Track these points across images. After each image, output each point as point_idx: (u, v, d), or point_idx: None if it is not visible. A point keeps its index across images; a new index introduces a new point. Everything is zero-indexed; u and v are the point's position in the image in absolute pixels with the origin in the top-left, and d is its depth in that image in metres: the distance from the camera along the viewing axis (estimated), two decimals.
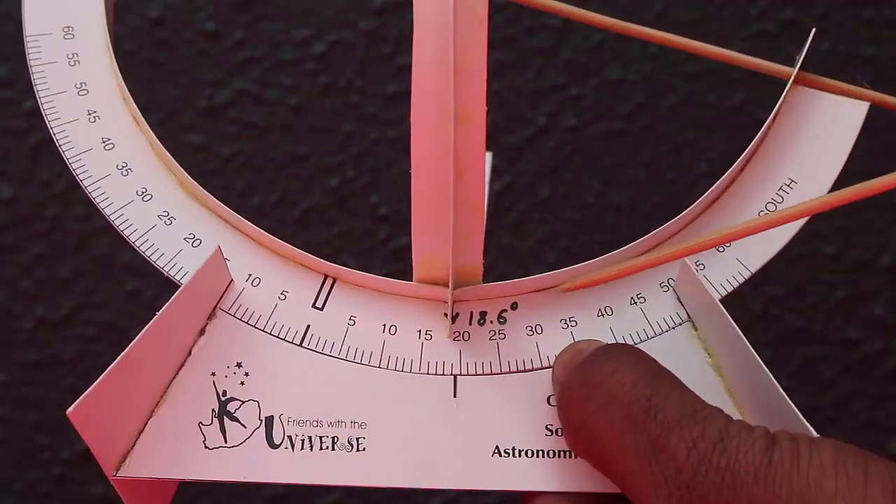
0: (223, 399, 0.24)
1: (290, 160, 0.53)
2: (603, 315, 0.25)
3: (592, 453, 0.22)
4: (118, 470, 0.23)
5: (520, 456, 0.24)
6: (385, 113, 0.53)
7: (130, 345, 0.22)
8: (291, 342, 0.25)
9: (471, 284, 0.25)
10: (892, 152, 0.53)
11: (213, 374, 0.24)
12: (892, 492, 0.18)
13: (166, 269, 0.25)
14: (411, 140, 0.22)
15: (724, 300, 0.24)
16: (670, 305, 0.25)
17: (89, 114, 0.26)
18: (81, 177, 0.25)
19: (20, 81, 0.52)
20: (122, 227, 0.25)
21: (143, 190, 0.26)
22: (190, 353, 0.24)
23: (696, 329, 0.25)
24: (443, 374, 0.25)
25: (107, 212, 0.25)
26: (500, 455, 0.24)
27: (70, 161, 0.25)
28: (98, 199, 0.25)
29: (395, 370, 0.25)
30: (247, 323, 0.25)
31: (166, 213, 0.25)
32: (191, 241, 0.25)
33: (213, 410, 0.24)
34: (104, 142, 0.26)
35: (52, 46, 0.26)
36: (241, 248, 0.26)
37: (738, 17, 0.53)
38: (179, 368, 0.24)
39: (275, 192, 0.53)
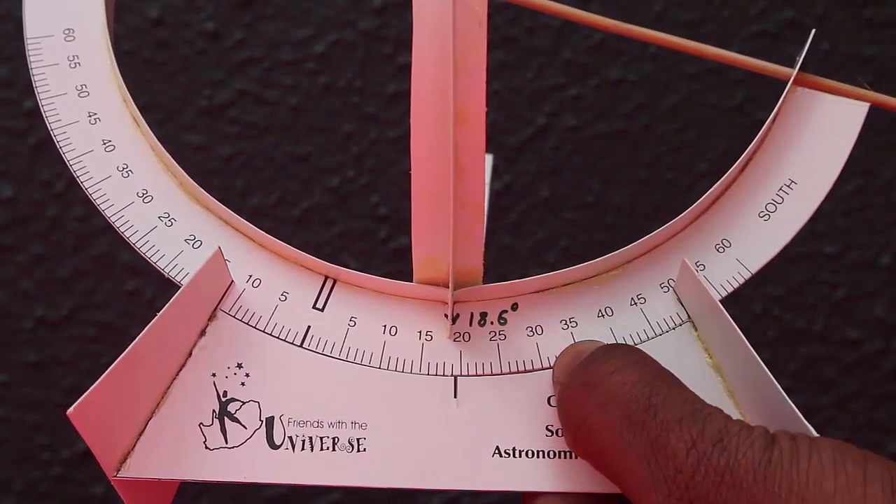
0: (224, 400, 0.24)
1: (290, 160, 0.53)
2: (603, 315, 0.25)
3: (592, 453, 0.22)
4: (119, 470, 0.23)
5: (520, 456, 0.24)
6: (385, 113, 0.53)
7: (131, 345, 0.22)
8: (292, 343, 0.25)
9: (471, 285, 0.25)
10: (893, 152, 0.53)
11: (214, 375, 0.24)
12: (892, 491, 0.18)
13: (167, 270, 0.25)
14: (411, 141, 0.22)
15: (723, 300, 0.24)
16: (670, 306, 0.25)
17: (90, 116, 0.26)
18: (82, 178, 0.25)
19: (20, 81, 0.52)
20: (122, 229, 0.25)
21: (144, 191, 0.26)
22: (190, 354, 0.25)
23: (696, 329, 0.25)
24: (443, 375, 0.25)
25: (107, 213, 0.25)
26: (501, 455, 0.24)
27: (71, 163, 0.25)
28: (99, 201, 0.25)
29: (396, 371, 0.25)
30: (247, 324, 0.25)
31: (167, 215, 0.25)
32: (191, 243, 0.25)
33: (214, 411, 0.24)
34: (105, 143, 0.26)
35: (53, 48, 0.26)
36: (242, 250, 0.26)
37: (738, 17, 0.53)
38: (180, 369, 0.24)
39: (275, 192, 0.53)
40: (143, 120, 0.26)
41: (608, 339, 0.25)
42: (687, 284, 0.25)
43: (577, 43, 0.53)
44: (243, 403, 0.24)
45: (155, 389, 0.24)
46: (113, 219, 0.25)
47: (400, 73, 0.53)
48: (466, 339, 0.25)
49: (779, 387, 0.21)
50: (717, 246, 0.25)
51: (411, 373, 0.25)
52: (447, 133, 0.21)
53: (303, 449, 0.24)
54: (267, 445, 0.24)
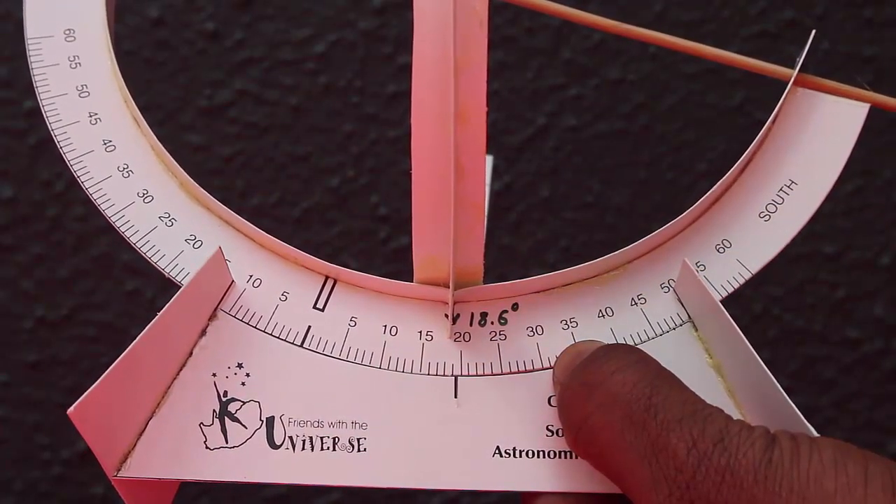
0: (224, 399, 0.24)
1: (290, 160, 0.53)
2: (604, 316, 0.25)
3: (593, 453, 0.22)
4: (119, 470, 0.23)
5: (520, 456, 0.24)
6: (385, 113, 0.53)
7: (132, 345, 0.22)
8: (292, 343, 0.25)
9: (471, 285, 0.25)
10: (893, 152, 0.54)
11: (214, 375, 0.24)
12: (892, 491, 0.18)
13: (167, 270, 0.25)
14: (412, 140, 0.22)
15: (724, 300, 0.24)
16: (671, 306, 0.25)
17: (90, 116, 0.26)
18: (83, 178, 0.25)
19: (20, 81, 0.52)
20: (123, 229, 0.25)
21: (145, 191, 0.26)
22: (191, 354, 0.25)
23: (696, 330, 0.25)
24: (443, 375, 0.25)
25: (108, 213, 0.25)
26: (501, 455, 0.24)
27: (71, 163, 0.25)
28: (99, 201, 0.25)
29: (396, 371, 0.25)
30: (248, 324, 0.25)
31: (167, 215, 0.25)
32: (192, 243, 0.25)
33: (214, 411, 0.24)
34: (105, 144, 0.26)
35: (54, 49, 0.26)
36: (242, 250, 0.26)
37: (738, 17, 0.53)
38: (180, 369, 0.24)
39: (275, 192, 0.53)
40: (143, 120, 0.26)
41: (609, 340, 0.25)
42: (687, 285, 0.25)
43: (576, 43, 0.53)
44: (244, 403, 0.24)
45: (155, 389, 0.24)
46: (113, 219, 0.25)
47: (400, 73, 0.53)
48: (467, 339, 0.25)
49: (779, 387, 0.21)
50: (718, 246, 0.26)
51: (412, 373, 0.25)
52: (448, 133, 0.21)
53: (303, 449, 0.24)
54: (267, 445, 0.24)
